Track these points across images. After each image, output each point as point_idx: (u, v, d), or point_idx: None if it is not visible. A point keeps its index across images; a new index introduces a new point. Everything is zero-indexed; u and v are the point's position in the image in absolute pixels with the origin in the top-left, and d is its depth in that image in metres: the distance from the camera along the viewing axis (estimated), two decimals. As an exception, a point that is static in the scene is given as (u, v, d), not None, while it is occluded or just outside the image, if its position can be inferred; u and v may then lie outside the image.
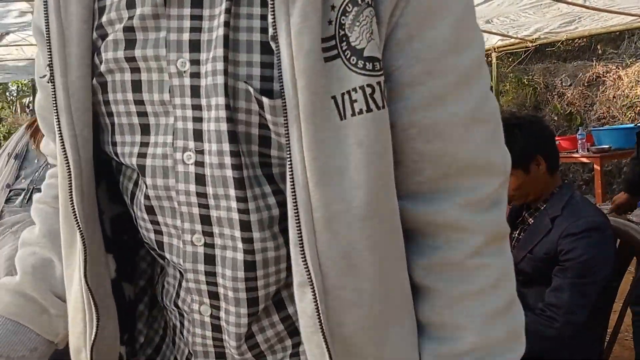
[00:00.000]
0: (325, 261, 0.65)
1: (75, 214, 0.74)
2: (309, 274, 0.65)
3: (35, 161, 2.42)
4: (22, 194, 2.36)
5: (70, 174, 0.73)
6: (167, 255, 0.76)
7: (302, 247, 0.65)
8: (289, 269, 0.72)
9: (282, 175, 0.70)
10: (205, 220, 0.71)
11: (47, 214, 0.94)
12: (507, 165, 0.73)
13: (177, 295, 0.79)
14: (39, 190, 2.52)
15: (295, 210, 0.65)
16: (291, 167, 0.64)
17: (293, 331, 0.75)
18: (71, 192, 0.73)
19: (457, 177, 0.70)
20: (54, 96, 0.72)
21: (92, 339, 0.77)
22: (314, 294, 0.65)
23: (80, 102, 0.72)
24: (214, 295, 0.73)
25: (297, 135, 0.63)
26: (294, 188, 0.64)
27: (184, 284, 0.76)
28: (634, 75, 7.24)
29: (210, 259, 0.72)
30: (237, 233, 0.70)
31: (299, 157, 0.63)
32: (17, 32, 5.24)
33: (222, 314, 0.74)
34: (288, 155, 0.64)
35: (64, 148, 0.72)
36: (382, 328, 0.69)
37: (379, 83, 0.64)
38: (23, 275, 0.90)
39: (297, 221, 0.65)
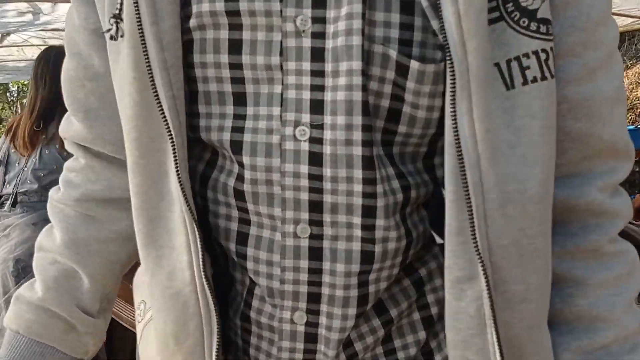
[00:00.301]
0: (496, 251, 0.58)
1: (184, 194, 0.62)
2: (483, 266, 0.58)
3: (17, 164, 2.44)
4: (9, 199, 2.40)
5: (174, 145, 0.61)
6: (250, 251, 0.65)
7: (474, 235, 0.57)
8: (401, 264, 0.66)
9: (401, 155, 0.63)
10: (316, 207, 0.61)
11: (69, 218, 0.80)
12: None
13: (247, 305, 0.68)
14: (24, 193, 2.55)
15: (466, 192, 0.57)
16: (458, 143, 0.56)
17: (388, 337, 0.68)
18: (177, 167, 0.61)
19: (596, 159, 0.65)
20: (144, 49, 0.59)
21: (217, 347, 0.65)
22: (488, 289, 0.58)
23: (175, 57, 0.60)
24: (314, 298, 0.64)
25: (467, 105, 0.56)
26: (463, 166, 0.56)
27: (259, 289, 0.66)
28: (634, 76, 7.23)
29: (316, 254, 0.63)
30: (357, 220, 0.61)
31: (468, 131, 0.56)
32: (17, 32, 5.24)
33: (322, 320, 0.65)
34: (454, 129, 0.56)
35: (163, 112, 0.60)
36: (542, 326, 0.63)
37: (552, 49, 0.58)
38: (46, 290, 0.78)
39: (469, 205, 0.57)
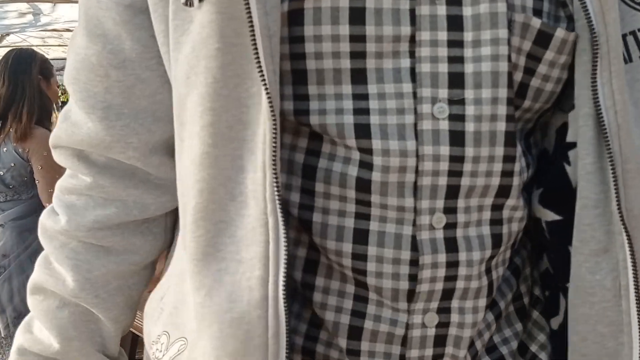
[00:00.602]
0: (629, 221, 0.57)
1: (278, 192, 0.52)
2: (628, 236, 0.56)
3: None
4: None
5: (275, 129, 0.51)
6: (372, 250, 0.56)
7: (619, 205, 0.56)
8: (512, 246, 0.62)
9: (518, 132, 0.60)
10: (452, 192, 0.55)
11: (79, 254, 0.67)
12: None
13: (359, 315, 0.58)
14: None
15: (611, 163, 0.56)
16: (600, 114, 0.55)
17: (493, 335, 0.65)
18: (274, 158, 0.52)
19: None
20: (248, 10, 0.51)
21: None
22: (633, 258, 0.56)
23: (276, 26, 0.52)
24: (447, 294, 0.58)
25: (607, 76, 0.55)
26: (607, 137, 0.55)
27: (376, 294, 0.57)
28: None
29: (452, 245, 0.56)
30: (488, 201, 0.57)
31: (609, 101, 0.55)
32: (18, 33, 5.25)
33: (453, 318, 0.58)
34: (595, 100, 0.55)
35: (267, 89, 0.51)
36: None
37: None
38: (66, 342, 0.67)
39: (614, 175, 0.56)
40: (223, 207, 0.54)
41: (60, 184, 0.69)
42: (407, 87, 0.54)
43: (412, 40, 0.54)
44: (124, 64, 0.62)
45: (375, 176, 0.54)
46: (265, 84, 0.51)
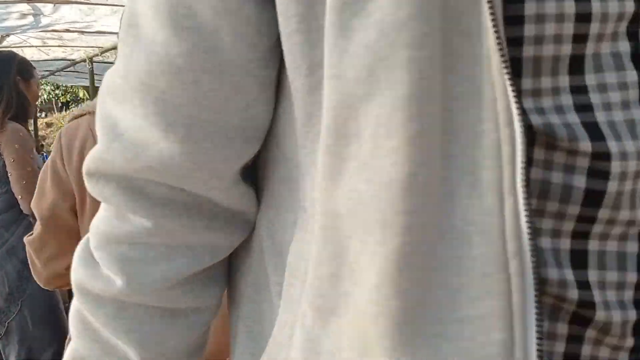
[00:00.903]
0: None
1: (530, 223, 0.40)
2: None
3: None
4: None
5: (525, 137, 0.40)
6: (593, 275, 0.45)
7: None
8: None
9: None
10: None
11: (142, 324, 0.54)
12: None
13: (573, 357, 0.46)
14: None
15: None
16: None
17: None
18: (526, 176, 0.40)
19: None
20: None
21: None
22: None
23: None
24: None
25: None
26: None
27: (596, 330, 0.46)
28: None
29: None
30: None
31: None
32: (18, 34, 5.27)
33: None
34: None
35: (512, 82, 0.41)
36: None
37: None
38: None
39: None
40: (433, 247, 0.41)
41: (100, 228, 0.53)
42: (631, 75, 0.45)
43: (634, 19, 0.45)
44: (220, 68, 0.48)
45: (611, 186, 0.44)
46: (510, 79, 0.40)
